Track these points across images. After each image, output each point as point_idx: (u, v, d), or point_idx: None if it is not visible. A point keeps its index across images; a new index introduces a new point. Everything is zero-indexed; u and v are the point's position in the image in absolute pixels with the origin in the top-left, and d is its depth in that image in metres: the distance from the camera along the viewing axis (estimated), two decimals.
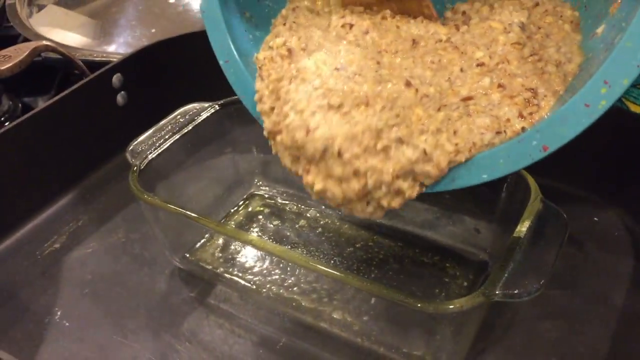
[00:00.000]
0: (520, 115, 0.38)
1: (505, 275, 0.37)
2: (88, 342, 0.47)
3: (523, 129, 0.37)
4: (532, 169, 0.43)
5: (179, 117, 0.54)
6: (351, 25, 0.43)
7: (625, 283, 0.48)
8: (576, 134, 0.34)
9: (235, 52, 0.46)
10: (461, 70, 0.40)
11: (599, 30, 0.40)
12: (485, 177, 0.38)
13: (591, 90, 0.34)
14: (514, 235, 0.40)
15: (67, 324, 0.49)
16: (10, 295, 0.51)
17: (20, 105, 0.77)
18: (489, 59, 0.41)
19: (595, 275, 0.49)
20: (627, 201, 0.54)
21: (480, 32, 0.43)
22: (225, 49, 0.46)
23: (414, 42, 0.42)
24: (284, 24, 0.48)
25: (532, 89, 0.39)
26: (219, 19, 0.46)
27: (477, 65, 0.41)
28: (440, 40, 0.42)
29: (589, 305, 0.47)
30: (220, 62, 0.47)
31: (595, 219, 0.54)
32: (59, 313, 0.49)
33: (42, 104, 0.78)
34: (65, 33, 0.82)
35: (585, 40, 0.42)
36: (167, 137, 0.51)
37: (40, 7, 0.90)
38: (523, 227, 0.40)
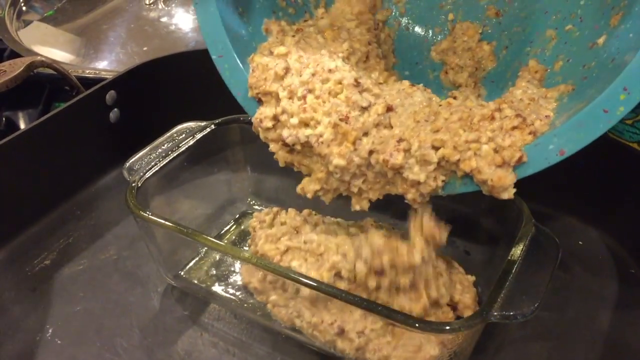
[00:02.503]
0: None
1: (501, 297, 0.38)
2: None
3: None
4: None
5: (175, 135, 0.54)
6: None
7: (611, 305, 0.49)
8: (593, 138, 0.35)
9: (230, 46, 0.45)
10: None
11: (600, 40, 0.41)
12: None
13: (610, 96, 0.34)
14: (509, 258, 0.41)
15: (58, 341, 0.48)
16: (0, 312, 0.50)
17: (4, 119, 0.77)
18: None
19: (582, 297, 0.50)
20: (610, 224, 0.56)
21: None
22: (219, 43, 0.45)
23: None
24: (293, 36, 0.47)
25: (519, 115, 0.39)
26: (213, 12, 0.45)
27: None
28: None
29: (576, 327, 0.48)
30: (213, 57, 0.46)
31: (580, 242, 0.56)
32: (50, 331, 0.49)
33: (24, 118, 0.78)
34: (49, 50, 0.82)
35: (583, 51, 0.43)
36: (163, 155, 0.52)
37: (26, 23, 0.90)
38: (517, 250, 0.41)
